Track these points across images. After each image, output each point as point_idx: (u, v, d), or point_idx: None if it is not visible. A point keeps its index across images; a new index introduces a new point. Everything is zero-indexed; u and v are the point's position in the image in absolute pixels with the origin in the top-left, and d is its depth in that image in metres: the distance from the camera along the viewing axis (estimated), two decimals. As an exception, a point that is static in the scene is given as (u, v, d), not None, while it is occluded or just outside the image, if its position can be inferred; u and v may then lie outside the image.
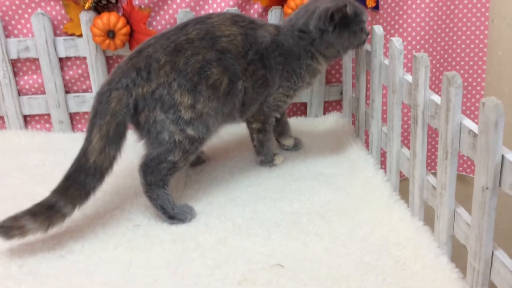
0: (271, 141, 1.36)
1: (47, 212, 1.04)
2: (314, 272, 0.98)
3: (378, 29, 1.25)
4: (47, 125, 1.61)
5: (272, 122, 1.34)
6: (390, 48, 1.15)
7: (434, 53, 1.60)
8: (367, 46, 1.34)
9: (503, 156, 0.78)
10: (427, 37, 1.58)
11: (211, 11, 1.51)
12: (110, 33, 1.42)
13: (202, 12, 1.52)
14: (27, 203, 1.18)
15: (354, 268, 0.99)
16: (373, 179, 1.28)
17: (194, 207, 1.20)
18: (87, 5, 1.40)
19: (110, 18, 1.41)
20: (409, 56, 1.56)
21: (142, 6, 1.46)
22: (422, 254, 1.01)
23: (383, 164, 1.34)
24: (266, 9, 1.52)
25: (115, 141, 1.09)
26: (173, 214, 1.15)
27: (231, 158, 1.43)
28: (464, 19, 1.57)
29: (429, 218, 1.10)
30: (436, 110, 0.98)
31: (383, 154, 1.34)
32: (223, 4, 1.50)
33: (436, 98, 0.99)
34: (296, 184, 1.29)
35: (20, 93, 1.56)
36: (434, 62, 1.61)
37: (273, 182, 1.31)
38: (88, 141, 1.10)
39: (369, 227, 1.11)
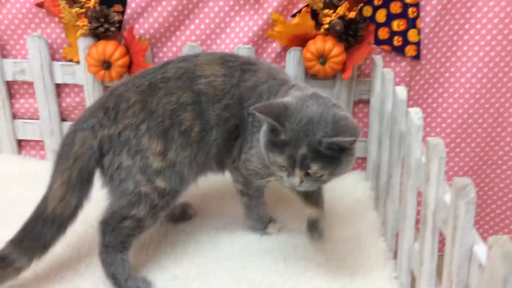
0: (261, 207, 1.15)
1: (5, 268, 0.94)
2: None
3: (400, 92, 1.01)
4: (42, 152, 1.50)
5: (259, 188, 1.09)
6: (407, 121, 0.92)
7: (484, 125, 1.34)
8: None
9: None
10: (478, 96, 1.32)
11: (223, 46, 1.34)
12: (105, 64, 1.28)
13: (214, 47, 1.35)
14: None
15: None
16: (378, 273, 1.04)
17: (156, 280, 1.02)
18: (80, 31, 1.27)
19: (106, 48, 1.27)
20: (450, 123, 1.30)
21: (142, 38, 1.32)
22: None
23: (396, 253, 1.10)
24: (285, 49, 1.32)
25: (77, 188, 0.97)
26: None
27: (222, 216, 1.23)
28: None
29: None
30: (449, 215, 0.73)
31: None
32: (236, 40, 1.32)
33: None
34: (286, 264, 1.08)
35: (15, 116, 1.46)
36: (481, 130, 1.34)
37: (259, 258, 1.10)
38: (49, 187, 0.98)
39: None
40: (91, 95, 1.39)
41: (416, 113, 0.89)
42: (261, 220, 1.16)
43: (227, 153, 1.05)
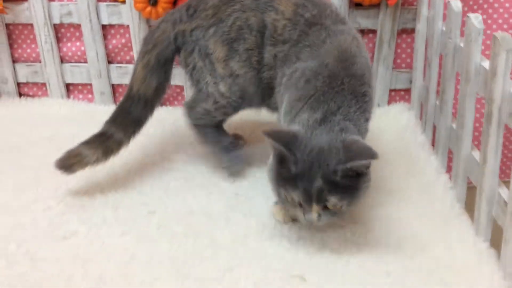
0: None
1: (99, 139, 1.06)
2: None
3: (455, 4, 1.02)
4: (90, 96, 1.53)
5: None
6: (466, 27, 0.93)
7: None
8: (442, 25, 1.11)
9: None
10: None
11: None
12: (152, 0, 1.30)
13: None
14: (46, 176, 1.12)
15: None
16: (433, 185, 1.07)
17: (220, 199, 1.06)
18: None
19: (153, -17, 1.29)
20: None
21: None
22: (481, 284, 0.80)
23: (449, 168, 1.12)
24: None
25: (155, 71, 1.09)
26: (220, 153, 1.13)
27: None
28: None
29: (497, 240, 0.88)
30: (518, 106, 0.76)
31: (450, 157, 1.12)
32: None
33: (520, 92, 0.77)
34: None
35: (62, 60, 1.49)
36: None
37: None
38: (134, 70, 1.11)
39: (419, 243, 0.91)
40: (136, 35, 1.42)
41: (476, 17, 0.90)
42: None
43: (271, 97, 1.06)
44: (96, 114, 1.46)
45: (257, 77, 1.04)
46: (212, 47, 1.03)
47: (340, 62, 0.92)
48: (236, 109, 1.10)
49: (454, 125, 1.07)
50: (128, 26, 1.42)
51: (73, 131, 1.34)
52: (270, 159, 0.89)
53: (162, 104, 1.51)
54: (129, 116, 1.08)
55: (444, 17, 1.11)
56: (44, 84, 1.52)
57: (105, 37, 1.45)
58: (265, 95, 1.07)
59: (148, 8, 1.32)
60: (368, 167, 0.83)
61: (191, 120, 1.14)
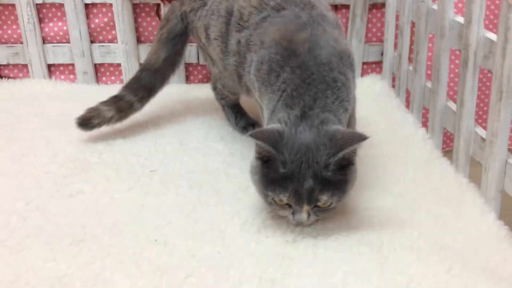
0: None
1: (114, 99, 1.18)
2: (344, 223, 0.88)
3: (426, -31, 1.13)
4: (71, 76, 1.55)
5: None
6: (440, -13, 1.03)
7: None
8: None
9: None
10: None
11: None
12: (137, -24, 1.35)
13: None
14: (42, 146, 1.15)
15: (387, 222, 0.88)
16: (413, 138, 1.17)
17: (216, 159, 1.11)
18: None
19: (138, -40, 1.34)
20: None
21: None
22: (466, 211, 0.90)
23: (424, 123, 1.22)
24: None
25: (166, 44, 1.20)
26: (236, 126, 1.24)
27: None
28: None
29: (476, 176, 0.98)
30: (491, 49, 0.85)
31: (425, 113, 1.22)
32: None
33: (492, 36, 0.87)
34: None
35: (44, 40, 1.51)
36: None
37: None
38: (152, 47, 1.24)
39: (405, 184, 1.00)
40: (119, 13, 1.45)
41: (447, -24, 1.00)
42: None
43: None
44: (80, 93, 1.49)
45: (226, 63, 1.06)
46: (200, 30, 1.11)
47: (305, 51, 0.88)
48: (234, 91, 1.15)
49: (428, 84, 1.17)
50: (111, 5, 1.46)
51: (58, 108, 1.37)
52: (253, 162, 0.86)
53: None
54: (140, 82, 1.20)
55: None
56: (25, 66, 1.53)
57: (87, 16, 1.48)
58: (237, 81, 1.06)
59: (133, -15, 1.36)
60: (355, 152, 0.82)
61: (217, 100, 1.25)
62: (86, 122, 1.14)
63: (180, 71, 1.51)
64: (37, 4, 1.46)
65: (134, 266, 0.80)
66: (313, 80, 0.86)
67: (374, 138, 1.16)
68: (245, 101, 1.23)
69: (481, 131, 0.94)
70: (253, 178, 0.86)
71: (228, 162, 1.10)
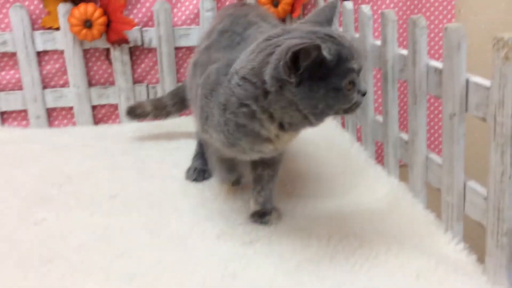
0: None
1: (155, 99, 1.46)
2: (295, 223, 0.98)
3: (348, 4, 1.29)
4: (24, 122, 1.60)
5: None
6: (359, 16, 1.19)
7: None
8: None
9: (467, 80, 0.80)
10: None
11: (187, 3, 1.55)
12: (87, 23, 1.45)
13: (179, 5, 1.56)
14: (1, 183, 1.19)
15: (332, 218, 0.99)
16: (349, 150, 1.30)
17: (173, 182, 1.19)
18: (63, -4, 1.44)
19: (87, 8, 1.44)
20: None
21: (118, -3, 1.50)
22: (398, 204, 1.02)
23: (359, 137, 1.36)
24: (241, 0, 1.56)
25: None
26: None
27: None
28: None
29: (405, 177, 1.11)
30: (405, 62, 1.01)
31: (358, 130, 1.36)
32: (198, -4, 1.55)
33: (404, 52, 1.02)
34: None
35: (-3, 88, 1.56)
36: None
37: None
38: None
39: (343, 189, 1.11)
40: (71, 59, 1.54)
41: (365, 7, 1.16)
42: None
43: None
44: (33, 137, 1.54)
45: None
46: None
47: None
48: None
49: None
50: (62, 51, 1.54)
51: (13, 151, 1.41)
52: (298, 91, 0.75)
53: (98, 122, 1.62)
54: (178, 92, 1.38)
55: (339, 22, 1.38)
56: (-23, 114, 1.57)
57: (39, 63, 1.55)
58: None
59: (84, 31, 1.45)
60: None
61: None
62: (132, 110, 1.40)
63: (131, 110, 1.59)
64: (-12, 54, 1.52)
65: (103, 277, 0.85)
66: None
67: (316, 153, 1.31)
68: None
69: (404, 136, 1.08)
70: (317, 100, 0.76)
71: (185, 184, 1.18)
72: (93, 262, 0.89)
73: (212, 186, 1.16)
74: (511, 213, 0.73)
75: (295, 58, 0.73)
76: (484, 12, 1.67)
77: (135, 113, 1.41)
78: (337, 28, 0.77)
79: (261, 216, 1.00)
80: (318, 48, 0.72)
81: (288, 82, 0.75)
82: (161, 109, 1.40)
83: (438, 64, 0.89)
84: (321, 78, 0.74)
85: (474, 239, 0.88)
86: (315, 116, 0.78)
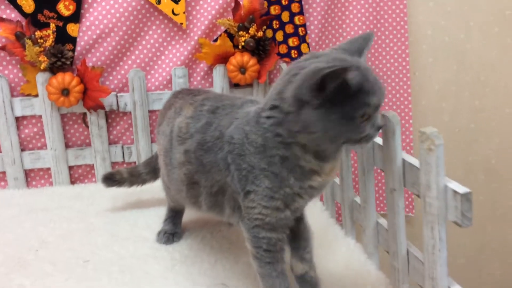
0: (275, 279, 0.92)
1: (132, 167, 1.45)
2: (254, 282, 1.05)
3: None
4: (2, 183, 1.66)
5: (272, 248, 0.92)
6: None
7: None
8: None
9: (403, 160, 0.90)
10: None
11: (160, 70, 1.66)
12: (65, 91, 1.53)
13: (152, 72, 1.66)
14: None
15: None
16: (311, 210, 1.38)
17: (143, 244, 1.26)
18: (43, 65, 1.52)
19: (64, 77, 1.53)
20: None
21: (95, 67, 1.60)
22: (354, 265, 1.10)
23: (321, 199, 1.45)
24: (211, 67, 1.67)
25: None
26: None
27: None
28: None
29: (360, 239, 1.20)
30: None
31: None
32: (171, 64, 1.65)
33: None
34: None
35: (-24, 152, 1.62)
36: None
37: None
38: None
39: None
40: (49, 123, 1.61)
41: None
42: None
43: (217, 207, 1.00)
44: (11, 198, 1.59)
45: (171, 177, 1.09)
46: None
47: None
48: (177, 202, 1.23)
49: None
50: (40, 116, 1.62)
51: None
52: (311, 115, 0.77)
53: (74, 182, 1.69)
54: (151, 161, 1.42)
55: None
56: (-44, 176, 1.62)
57: (18, 127, 1.62)
58: (184, 192, 1.06)
59: (61, 98, 1.54)
60: None
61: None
62: (110, 176, 1.41)
63: (107, 169, 1.67)
64: (-31, 120, 1.59)
65: None
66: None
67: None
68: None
69: (358, 199, 1.17)
70: (328, 129, 0.77)
71: (156, 247, 1.25)
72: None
73: (181, 248, 1.23)
74: (443, 281, 0.81)
75: (323, 81, 0.73)
76: (436, 74, 1.81)
77: (114, 178, 1.41)
78: (365, 60, 0.84)
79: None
80: (345, 72, 0.73)
81: (307, 104, 0.76)
82: (136, 176, 1.42)
83: (380, 141, 0.99)
84: (338, 104, 0.75)
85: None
86: (325, 141, 0.79)
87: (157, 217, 1.39)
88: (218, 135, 0.93)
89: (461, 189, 0.74)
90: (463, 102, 1.85)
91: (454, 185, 0.76)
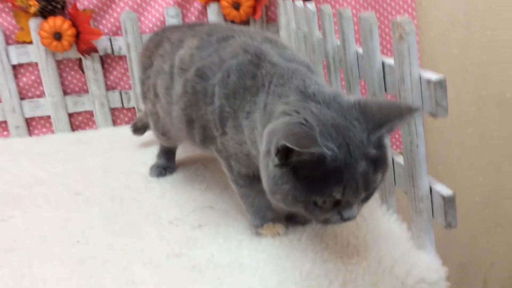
0: (255, 198, 0.93)
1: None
2: (240, 212, 1.03)
3: (299, 3, 1.36)
4: (5, 133, 1.67)
5: (247, 175, 0.92)
6: (305, 13, 1.25)
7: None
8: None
9: (383, 63, 0.86)
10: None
11: (153, 11, 1.63)
12: (57, 35, 1.52)
13: (146, 14, 1.63)
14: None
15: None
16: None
17: (137, 177, 1.26)
18: (32, 9, 1.51)
19: (56, 21, 1.52)
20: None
21: (86, 9, 1.58)
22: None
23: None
24: (205, 6, 1.64)
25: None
26: None
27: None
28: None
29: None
30: (339, 51, 1.06)
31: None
32: (164, 4, 1.62)
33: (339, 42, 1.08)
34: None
35: (-24, 102, 1.64)
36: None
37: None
38: None
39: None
40: (45, 70, 1.61)
41: (310, 4, 1.23)
42: (257, 214, 0.94)
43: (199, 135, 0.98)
44: (14, 146, 1.61)
45: (172, 116, 1.04)
46: (150, 90, 1.14)
47: (275, 54, 0.87)
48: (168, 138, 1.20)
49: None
50: (36, 64, 1.62)
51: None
52: (270, 173, 0.71)
53: (75, 129, 1.69)
54: None
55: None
56: (-41, 127, 1.64)
57: (15, 76, 1.63)
58: (184, 130, 1.02)
59: (54, 43, 1.53)
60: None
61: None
62: (135, 127, 1.44)
63: (106, 116, 1.66)
64: (-34, 69, 1.60)
65: (58, 262, 0.91)
66: (294, 67, 0.82)
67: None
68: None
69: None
70: (280, 191, 0.70)
71: (148, 180, 1.24)
72: (51, 250, 0.95)
73: (173, 180, 1.22)
74: (423, 180, 0.78)
75: (288, 151, 0.65)
76: (444, 4, 1.72)
77: (137, 127, 1.44)
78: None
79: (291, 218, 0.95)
80: (315, 156, 0.65)
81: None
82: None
83: (359, 50, 0.94)
84: (301, 171, 0.67)
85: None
86: (284, 202, 0.71)
87: (154, 155, 1.38)
88: (217, 61, 0.90)
89: (435, 76, 0.70)
90: (474, 32, 1.76)
91: (428, 74, 0.71)
